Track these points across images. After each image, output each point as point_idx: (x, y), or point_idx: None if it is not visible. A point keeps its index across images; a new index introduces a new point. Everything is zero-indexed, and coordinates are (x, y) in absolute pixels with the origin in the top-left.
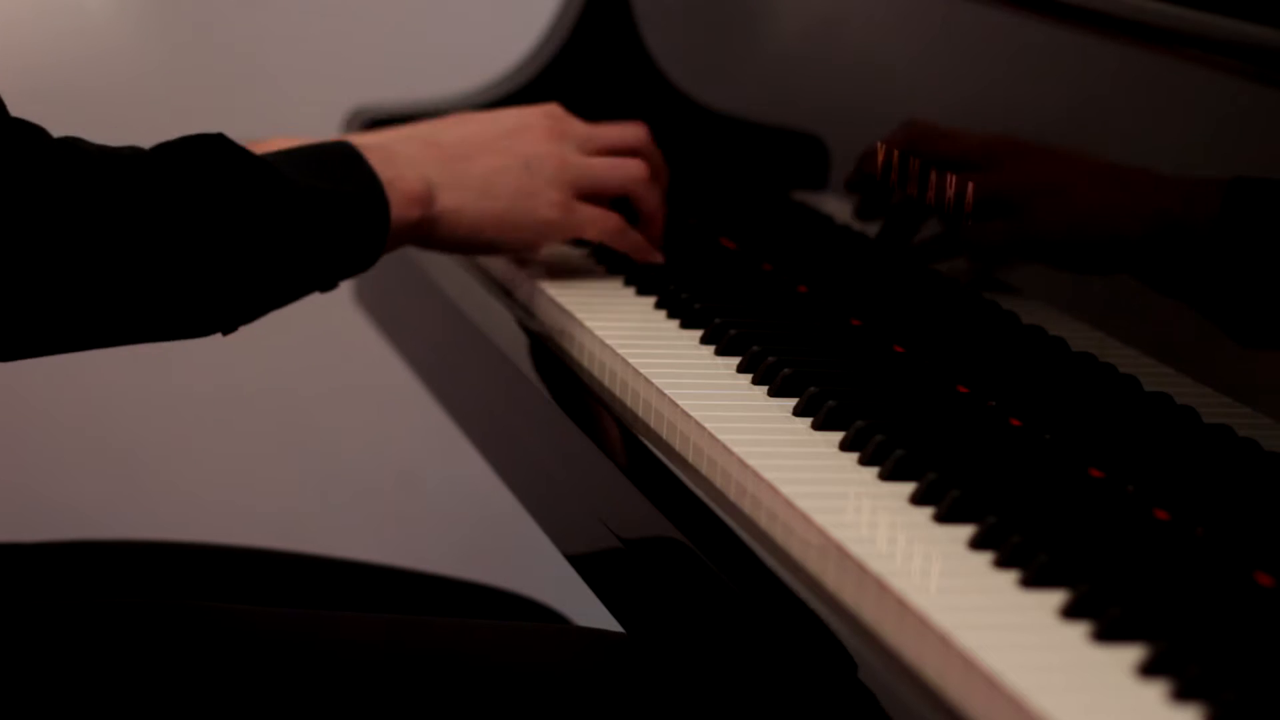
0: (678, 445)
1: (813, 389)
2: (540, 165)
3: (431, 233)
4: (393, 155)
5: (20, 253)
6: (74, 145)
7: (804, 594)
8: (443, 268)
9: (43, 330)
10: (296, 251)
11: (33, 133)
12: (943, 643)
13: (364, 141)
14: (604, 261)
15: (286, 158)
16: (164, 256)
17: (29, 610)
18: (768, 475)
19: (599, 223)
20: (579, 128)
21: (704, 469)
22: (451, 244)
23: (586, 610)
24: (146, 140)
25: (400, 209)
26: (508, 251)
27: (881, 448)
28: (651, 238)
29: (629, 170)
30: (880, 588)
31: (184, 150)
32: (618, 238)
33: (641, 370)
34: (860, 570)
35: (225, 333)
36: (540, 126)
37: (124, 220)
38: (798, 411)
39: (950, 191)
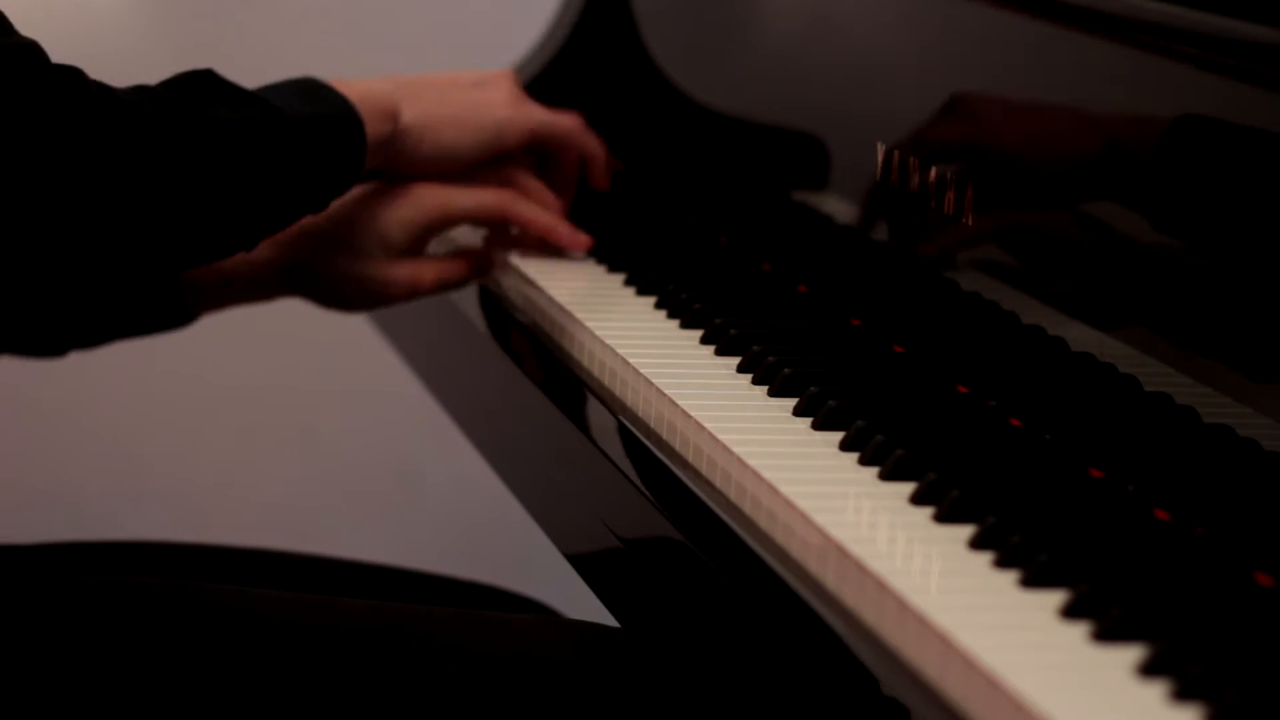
0: (678, 445)
1: (813, 389)
2: (489, 80)
3: (401, 146)
4: (352, 84)
5: (40, 183)
6: (103, 88)
7: (804, 594)
8: None
9: (63, 264)
10: (294, 172)
11: (69, 74)
12: (943, 643)
13: (323, 78)
14: (604, 261)
15: (268, 91)
16: (169, 187)
17: (29, 610)
18: (768, 475)
19: (556, 119)
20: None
21: (704, 469)
22: (417, 156)
23: (586, 610)
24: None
25: (373, 124)
26: (470, 157)
27: (881, 448)
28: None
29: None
30: (880, 588)
31: (190, 86)
32: (577, 137)
33: (641, 370)
34: (860, 570)
35: (247, 249)
36: (496, 71)
37: (134, 152)
38: (798, 411)
39: (950, 191)
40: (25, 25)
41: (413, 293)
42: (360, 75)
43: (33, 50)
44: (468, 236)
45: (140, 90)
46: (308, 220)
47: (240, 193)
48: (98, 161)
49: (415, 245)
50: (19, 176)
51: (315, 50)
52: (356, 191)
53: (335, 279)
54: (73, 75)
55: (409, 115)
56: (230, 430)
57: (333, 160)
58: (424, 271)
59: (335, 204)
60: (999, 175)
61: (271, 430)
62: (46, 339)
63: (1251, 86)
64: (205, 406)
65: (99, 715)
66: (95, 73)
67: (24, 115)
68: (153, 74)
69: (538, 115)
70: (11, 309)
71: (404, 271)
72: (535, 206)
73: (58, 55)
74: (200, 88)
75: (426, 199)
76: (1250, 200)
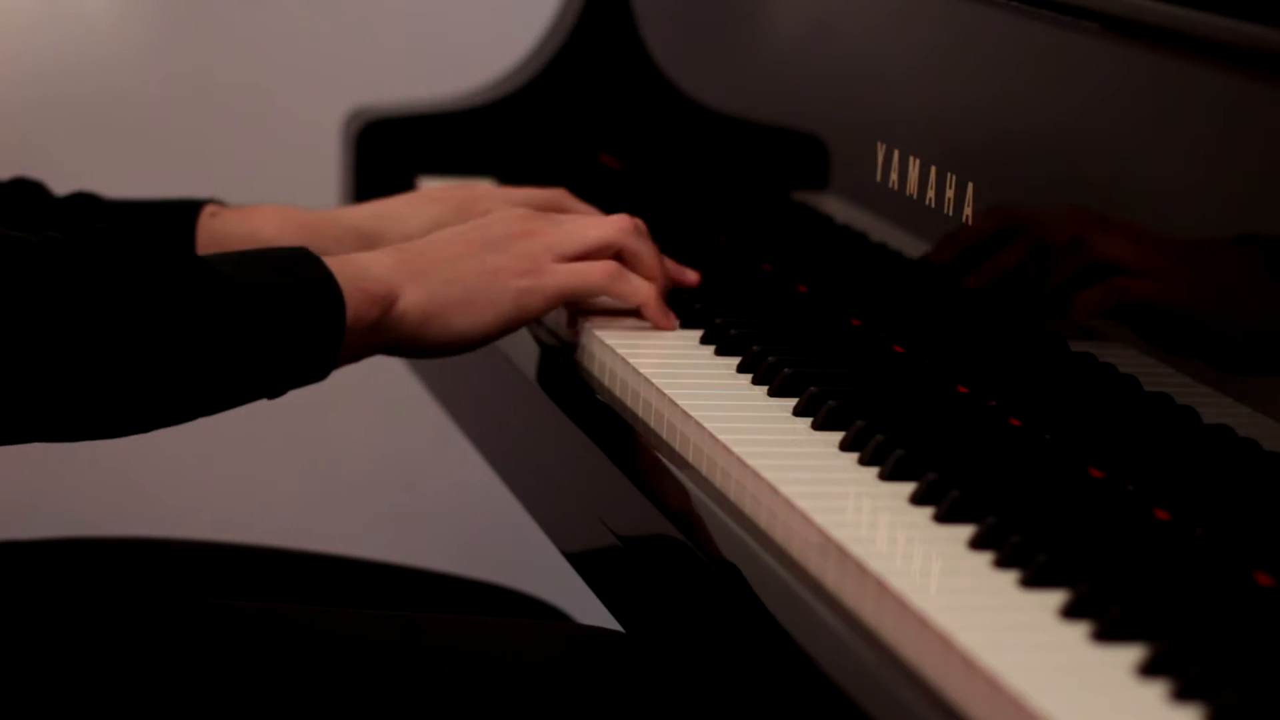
0: (678, 445)
1: (813, 389)
2: (506, 242)
3: (397, 332)
4: (350, 260)
5: None
6: None
7: (804, 594)
8: None
9: None
10: (230, 351)
11: None
12: (943, 643)
13: (323, 254)
14: None
15: (230, 258)
16: (85, 352)
17: (29, 608)
18: (768, 475)
19: (585, 273)
20: (551, 217)
21: (704, 469)
22: (422, 342)
23: (586, 610)
24: (148, 144)
25: (357, 308)
26: (494, 337)
27: (881, 448)
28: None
29: (610, 223)
30: (880, 588)
31: (109, 242)
32: (616, 282)
33: (641, 370)
34: (860, 570)
35: (177, 423)
36: (509, 214)
37: (43, 314)
38: (798, 411)
39: (950, 191)
40: (22, 34)
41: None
42: (357, 75)
43: None
44: None
45: (55, 241)
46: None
47: (160, 367)
48: None
49: None
50: None
51: (311, 52)
52: None
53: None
54: None
55: (410, 299)
56: (231, 430)
57: (292, 342)
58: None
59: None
60: (1001, 173)
61: (273, 430)
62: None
63: (1251, 87)
64: None
65: None
66: (91, 78)
67: None
68: (147, 80)
69: (560, 279)
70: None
71: None
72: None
73: (52, 62)
74: (119, 244)
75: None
76: (1250, 200)
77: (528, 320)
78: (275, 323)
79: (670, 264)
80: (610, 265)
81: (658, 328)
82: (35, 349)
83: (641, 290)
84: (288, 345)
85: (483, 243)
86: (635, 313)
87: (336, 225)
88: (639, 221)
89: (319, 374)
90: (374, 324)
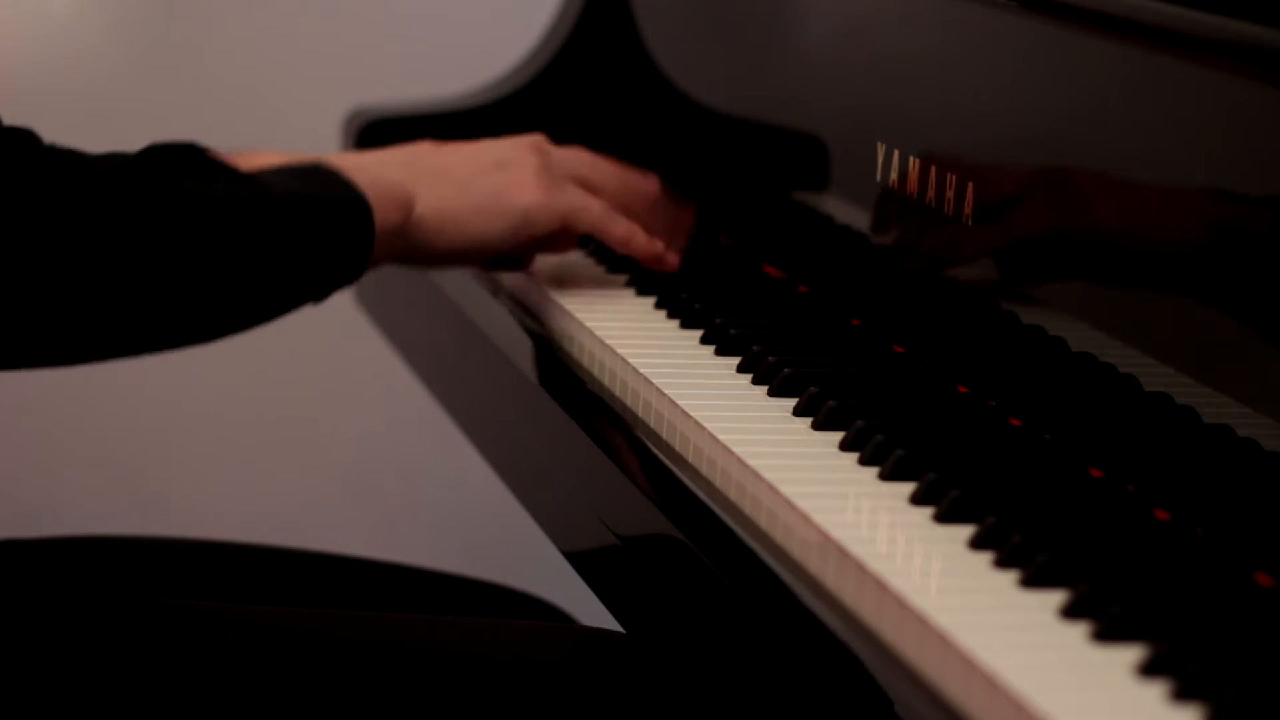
0: (678, 445)
1: (813, 389)
2: (519, 162)
3: (417, 237)
4: (366, 166)
5: (4, 262)
6: (57, 151)
7: (804, 594)
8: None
9: (22, 342)
10: (282, 259)
11: (21, 138)
12: (943, 643)
13: (336, 159)
14: (604, 261)
15: (267, 174)
16: (150, 266)
17: (30, 607)
18: (768, 475)
19: (589, 204)
20: (562, 149)
21: (704, 469)
22: (438, 247)
23: (587, 610)
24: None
25: (383, 213)
26: (500, 248)
27: (881, 448)
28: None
29: (615, 170)
30: (880, 588)
31: (167, 158)
32: (607, 223)
33: (641, 370)
34: (860, 570)
35: (234, 333)
36: (518, 141)
37: (108, 229)
38: (798, 411)
39: (950, 191)
40: (21, 35)
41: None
42: (356, 75)
43: (21, 136)
44: None
45: (108, 157)
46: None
47: (213, 273)
48: (43, 232)
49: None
50: None
51: (310, 51)
52: None
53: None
54: (20, 138)
55: (424, 205)
56: (231, 429)
57: (332, 246)
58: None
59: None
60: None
61: (272, 429)
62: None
63: (1251, 86)
64: (206, 406)
65: None
66: (55, 75)
67: None
68: (148, 83)
69: (568, 200)
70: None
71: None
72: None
73: (16, 60)
74: (179, 160)
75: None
76: (1250, 200)
77: (535, 236)
78: (316, 231)
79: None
80: (605, 203)
81: (658, 265)
82: (113, 262)
83: (626, 231)
84: (327, 252)
85: (493, 162)
86: (635, 313)
87: None
88: (636, 177)
89: (354, 275)
90: (397, 228)
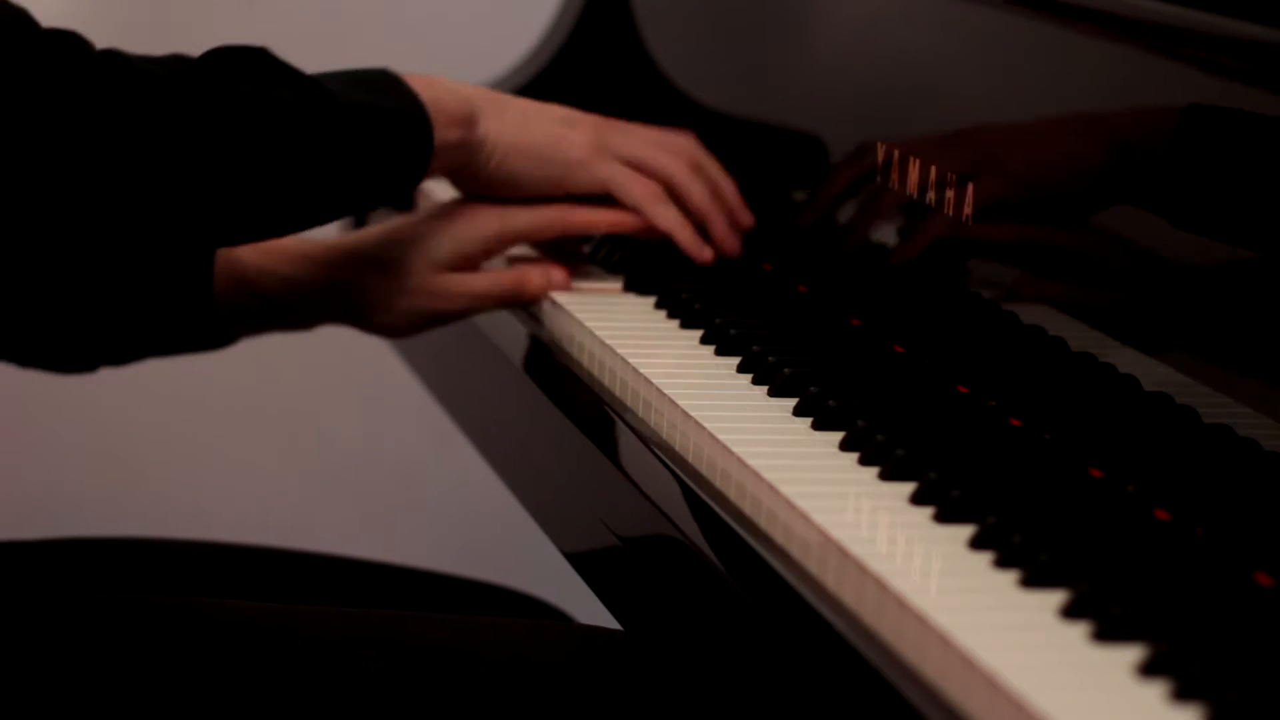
0: (677, 444)
1: (813, 389)
2: (581, 123)
3: (470, 158)
4: (433, 82)
5: (68, 165)
6: (117, 55)
7: (804, 594)
8: None
9: (95, 246)
10: (346, 162)
11: (73, 42)
12: (943, 642)
13: (404, 73)
14: (604, 262)
15: (327, 76)
16: (215, 166)
17: (30, 608)
18: (768, 475)
19: (631, 183)
20: (625, 126)
21: (703, 469)
22: (485, 174)
23: (586, 610)
24: None
25: (443, 128)
26: (532, 189)
27: (881, 448)
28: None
29: (670, 160)
30: (880, 587)
31: (230, 61)
32: (651, 205)
33: (641, 370)
34: (860, 570)
35: (284, 234)
36: (589, 114)
37: (154, 127)
38: (798, 411)
39: (950, 191)
40: None
41: (467, 304)
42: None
43: (20, 17)
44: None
45: (166, 60)
46: (350, 238)
47: (263, 174)
48: (97, 134)
49: (465, 266)
50: (9, 153)
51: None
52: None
53: (381, 300)
54: (68, 41)
55: (486, 128)
56: (231, 429)
57: (392, 155)
58: (477, 281)
59: (382, 223)
60: (1002, 183)
61: (273, 430)
62: (77, 353)
63: (1251, 86)
64: (206, 406)
65: None
66: None
67: (14, 87)
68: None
69: (612, 172)
70: (37, 316)
71: (454, 281)
72: (592, 209)
73: None
74: (240, 63)
75: (481, 214)
76: (1250, 199)
77: (569, 191)
78: (378, 137)
79: (733, 197)
80: (653, 187)
81: (692, 258)
82: (178, 162)
83: (671, 221)
84: (388, 159)
85: (559, 117)
86: (635, 313)
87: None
88: (704, 158)
89: (413, 183)
90: (455, 144)
